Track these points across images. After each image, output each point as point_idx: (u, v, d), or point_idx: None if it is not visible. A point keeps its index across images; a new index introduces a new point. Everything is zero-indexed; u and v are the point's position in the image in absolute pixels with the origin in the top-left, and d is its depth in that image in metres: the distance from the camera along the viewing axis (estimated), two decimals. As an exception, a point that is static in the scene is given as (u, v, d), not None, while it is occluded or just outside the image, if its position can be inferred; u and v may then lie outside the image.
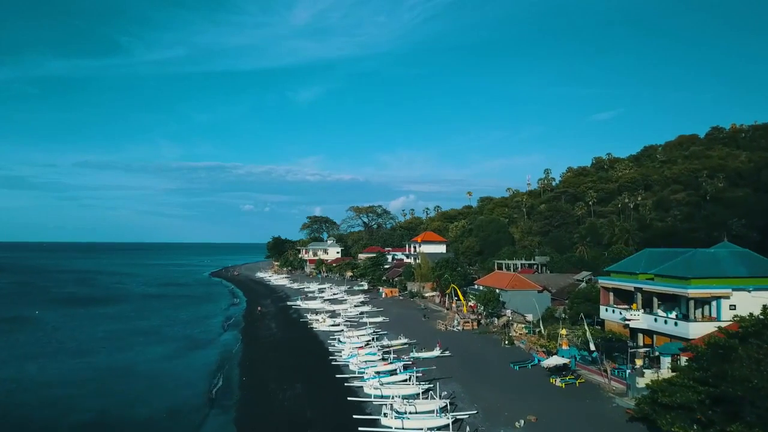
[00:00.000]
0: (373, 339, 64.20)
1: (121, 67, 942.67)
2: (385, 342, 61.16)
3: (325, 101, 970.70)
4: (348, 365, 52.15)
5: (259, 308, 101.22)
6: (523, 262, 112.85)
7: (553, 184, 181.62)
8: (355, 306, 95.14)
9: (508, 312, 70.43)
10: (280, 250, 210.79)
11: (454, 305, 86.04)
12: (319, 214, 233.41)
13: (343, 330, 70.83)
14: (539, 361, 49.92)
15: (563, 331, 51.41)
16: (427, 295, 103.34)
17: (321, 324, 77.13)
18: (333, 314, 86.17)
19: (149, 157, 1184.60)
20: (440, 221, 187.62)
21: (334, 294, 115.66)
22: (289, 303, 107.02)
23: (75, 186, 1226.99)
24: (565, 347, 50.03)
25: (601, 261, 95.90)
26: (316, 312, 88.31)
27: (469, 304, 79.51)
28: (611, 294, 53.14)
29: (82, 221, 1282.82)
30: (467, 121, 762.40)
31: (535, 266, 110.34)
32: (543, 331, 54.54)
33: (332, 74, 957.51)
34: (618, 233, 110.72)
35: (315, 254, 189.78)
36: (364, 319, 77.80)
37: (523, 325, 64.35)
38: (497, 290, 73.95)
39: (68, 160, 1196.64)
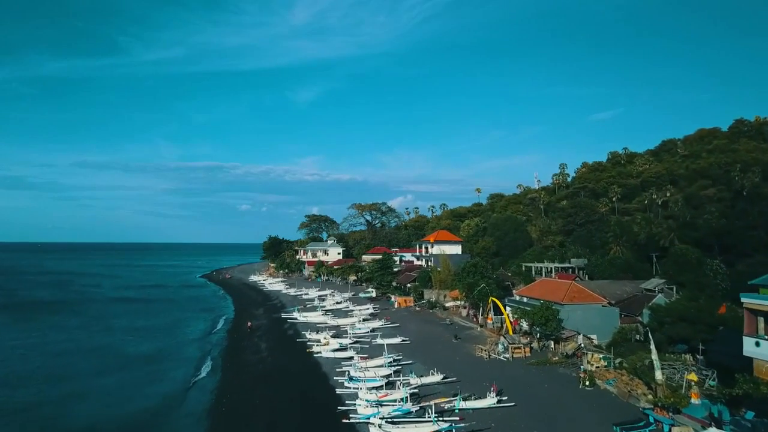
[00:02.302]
0: (395, 373, 47.41)
1: (120, 67, 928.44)
2: (414, 380, 44.15)
3: (324, 101, 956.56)
4: (368, 425, 35.25)
5: (249, 324, 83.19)
6: (557, 265, 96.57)
7: (568, 180, 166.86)
8: (364, 320, 78.39)
9: (580, 337, 53.05)
10: (277, 251, 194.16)
11: (489, 320, 69.43)
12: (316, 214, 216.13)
13: (353, 357, 53.96)
14: (656, 421, 33.26)
15: (693, 377, 34.56)
16: (448, 305, 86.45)
17: (323, 347, 60.13)
18: (338, 332, 69.54)
19: (147, 157, 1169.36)
20: (449, 219, 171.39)
21: (336, 303, 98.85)
22: (284, 315, 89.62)
23: (73, 186, 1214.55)
24: (695, 400, 33.37)
25: (667, 266, 79.85)
26: (317, 329, 71.52)
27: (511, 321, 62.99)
28: (761, 320, 35.92)
29: (80, 221, 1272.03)
30: (467, 121, 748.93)
31: (571, 270, 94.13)
32: (657, 373, 36.09)
33: (331, 74, 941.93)
34: (660, 232, 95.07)
35: (314, 255, 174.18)
36: (379, 340, 60.78)
37: (600, 356, 46.92)
38: (553, 305, 56.91)
39: (66, 160, 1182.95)
